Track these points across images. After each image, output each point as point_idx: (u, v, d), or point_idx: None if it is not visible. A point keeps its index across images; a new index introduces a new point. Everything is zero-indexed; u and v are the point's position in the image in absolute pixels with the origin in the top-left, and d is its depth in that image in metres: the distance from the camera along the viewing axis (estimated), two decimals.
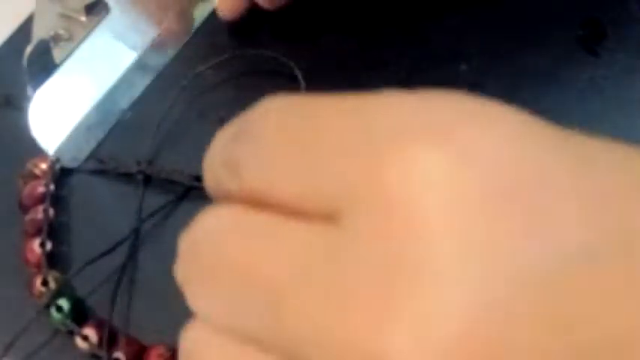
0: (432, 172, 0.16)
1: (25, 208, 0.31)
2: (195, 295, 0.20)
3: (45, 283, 0.29)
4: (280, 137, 0.19)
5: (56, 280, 0.29)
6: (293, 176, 0.18)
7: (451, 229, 0.15)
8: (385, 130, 0.17)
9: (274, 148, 0.19)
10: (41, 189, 0.31)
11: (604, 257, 0.16)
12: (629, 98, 0.32)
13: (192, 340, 0.20)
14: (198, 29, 0.36)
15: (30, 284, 0.29)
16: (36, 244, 0.30)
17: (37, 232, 0.30)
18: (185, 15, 0.37)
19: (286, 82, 0.33)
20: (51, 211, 0.31)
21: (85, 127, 0.33)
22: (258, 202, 0.19)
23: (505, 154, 0.16)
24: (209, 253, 0.20)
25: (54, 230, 0.31)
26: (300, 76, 0.33)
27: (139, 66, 0.35)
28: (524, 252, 0.15)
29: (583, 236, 0.16)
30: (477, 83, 0.33)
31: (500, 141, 0.16)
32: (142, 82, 0.35)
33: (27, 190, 0.31)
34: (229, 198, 0.20)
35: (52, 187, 0.31)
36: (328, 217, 0.17)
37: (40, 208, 0.31)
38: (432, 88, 0.18)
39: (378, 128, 0.17)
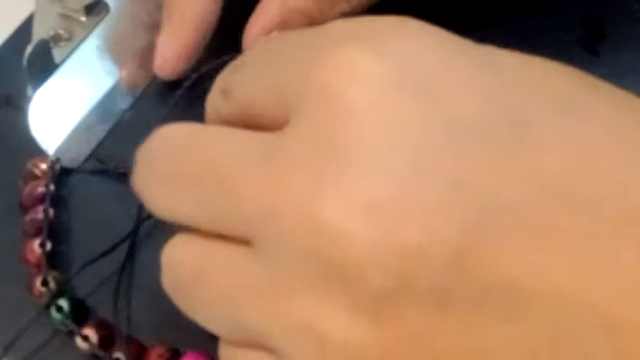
0: (357, 68, 0.19)
1: (25, 208, 0.31)
2: (152, 198, 0.22)
3: (45, 283, 0.29)
4: (259, 57, 0.22)
5: (56, 280, 0.29)
6: (262, 84, 0.21)
7: (372, 113, 0.18)
8: (326, 41, 0.20)
9: (255, 67, 0.22)
10: (41, 189, 0.31)
11: (495, 131, 0.18)
12: None
13: (168, 251, 0.22)
14: None
15: (30, 284, 0.29)
16: (36, 244, 0.30)
17: (37, 232, 0.30)
18: None
19: None
20: (51, 211, 0.31)
21: (85, 127, 0.33)
22: (244, 125, 0.21)
23: (419, 55, 0.19)
24: (166, 158, 0.21)
25: (54, 230, 0.31)
26: None
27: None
28: (427, 124, 0.18)
29: (477, 113, 0.18)
30: None
31: (418, 46, 0.19)
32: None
33: (27, 190, 0.31)
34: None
35: (52, 187, 0.31)
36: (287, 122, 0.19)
37: (40, 208, 0.31)
38: None
39: (322, 40, 0.20)
